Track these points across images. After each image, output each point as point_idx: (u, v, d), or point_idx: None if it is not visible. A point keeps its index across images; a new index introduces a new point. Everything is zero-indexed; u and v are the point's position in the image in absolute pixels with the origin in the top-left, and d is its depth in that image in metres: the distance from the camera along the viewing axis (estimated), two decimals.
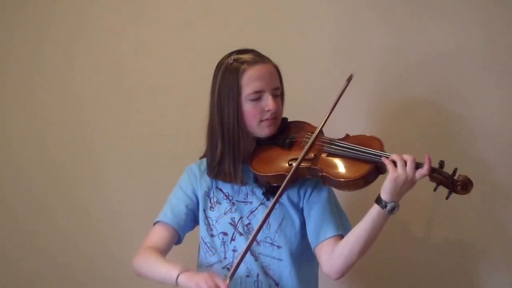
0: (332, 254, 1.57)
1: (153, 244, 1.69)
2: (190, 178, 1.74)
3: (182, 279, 1.53)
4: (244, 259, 1.63)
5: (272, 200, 1.56)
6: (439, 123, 2.04)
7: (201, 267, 1.72)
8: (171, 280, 1.55)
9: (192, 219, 1.73)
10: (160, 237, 1.70)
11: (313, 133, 1.64)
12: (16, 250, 2.36)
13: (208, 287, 1.46)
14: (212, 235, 1.69)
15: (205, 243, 1.70)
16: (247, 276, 1.65)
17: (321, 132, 1.68)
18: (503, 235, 2.01)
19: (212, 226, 1.69)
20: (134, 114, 2.26)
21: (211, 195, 1.72)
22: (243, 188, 1.70)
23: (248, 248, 1.55)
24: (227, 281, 1.49)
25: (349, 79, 1.68)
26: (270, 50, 1.69)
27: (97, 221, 2.31)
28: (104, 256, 2.32)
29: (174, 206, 1.71)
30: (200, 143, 1.73)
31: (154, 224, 1.73)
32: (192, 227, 1.76)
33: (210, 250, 1.69)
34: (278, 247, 1.65)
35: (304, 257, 1.67)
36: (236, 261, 1.55)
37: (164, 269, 1.58)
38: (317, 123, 1.66)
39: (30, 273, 2.36)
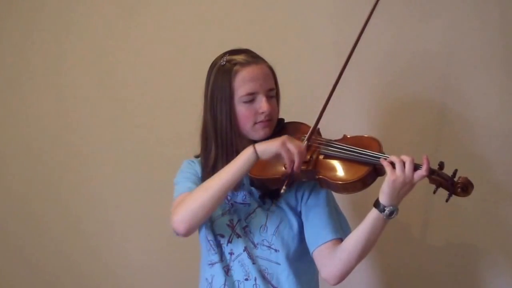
0: (330, 259, 1.55)
1: None
2: (193, 167, 1.71)
3: (262, 146, 1.49)
4: (242, 262, 1.63)
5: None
6: (438, 122, 2.02)
7: (203, 265, 1.71)
8: (249, 157, 1.49)
9: None
10: None
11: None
12: (3, 257, 2.36)
13: (294, 146, 1.46)
14: (212, 234, 1.67)
15: (208, 240, 1.67)
16: (246, 279, 1.63)
17: (318, 133, 1.66)
18: (504, 235, 2.00)
19: (210, 225, 1.66)
20: (127, 116, 2.25)
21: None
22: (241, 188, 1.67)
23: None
24: (305, 143, 1.54)
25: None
26: (266, 50, 1.67)
27: (88, 226, 2.31)
28: (94, 263, 2.31)
29: (192, 180, 1.64)
30: (194, 146, 1.71)
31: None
32: None
33: (212, 248, 1.67)
34: (276, 250, 1.62)
35: (302, 261, 1.64)
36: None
37: (232, 163, 1.51)
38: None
39: (17, 281, 2.35)
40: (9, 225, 2.34)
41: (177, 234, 1.54)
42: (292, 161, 1.47)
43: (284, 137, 1.49)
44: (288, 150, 1.47)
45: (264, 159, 1.50)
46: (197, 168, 1.70)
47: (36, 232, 2.33)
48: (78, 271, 2.31)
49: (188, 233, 1.53)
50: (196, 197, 1.52)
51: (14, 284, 2.35)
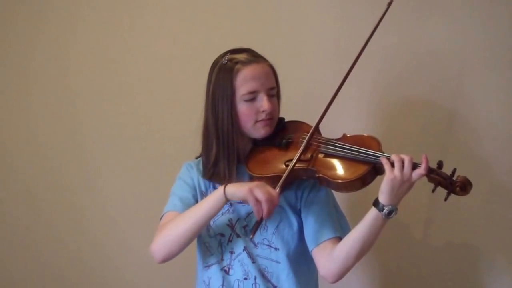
0: (329, 257, 1.55)
1: None
2: (190, 172, 1.72)
3: (231, 188, 1.50)
4: (242, 261, 1.63)
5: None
6: (438, 122, 2.02)
7: (200, 268, 1.71)
8: (219, 198, 1.51)
9: None
10: None
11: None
12: (9, 253, 2.36)
13: (262, 193, 1.44)
14: (209, 236, 1.67)
15: (204, 243, 1.68)
16: (245, 278, 1.63)
17: (318, 132, 1.66)
18: (504, 235, 1.99)
19: (209, 227, 1.66)
20: (129, 115, 2.25)
21: (209, 195, 1.69)
22: None
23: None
24: (277, 190, 1.49)
25: (389, 3, 1.66)
26: (267, 49, 1.67)
27: (92, 223, 2.31)
28: (99, 260, 2.31)
29: (182, 197, 1.67)
30: (195, 145, 1.71)
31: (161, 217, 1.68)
32: None
33: (209, 250, 1.67)
34: (276, 249, 1.62)
35: (302, 259, 1.64)
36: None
37: (204, 201, 1.55)
38: (315, 123, 1.63)
39: (23, 277, 2.35)
40: (16, 221, 2.34)
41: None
42: (260, 210, 1.45)
43: (254, 184, 1.47)
44: (255, 198, 1.45)
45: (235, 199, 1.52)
46: (194, 173, 1.71)
47: (42, 228, 2.32)
48: (83, 266, 2.32)
49: (164, 261, 1.59)
50: (172, 231, 1.56)
51: (20, 279, 2.35)
